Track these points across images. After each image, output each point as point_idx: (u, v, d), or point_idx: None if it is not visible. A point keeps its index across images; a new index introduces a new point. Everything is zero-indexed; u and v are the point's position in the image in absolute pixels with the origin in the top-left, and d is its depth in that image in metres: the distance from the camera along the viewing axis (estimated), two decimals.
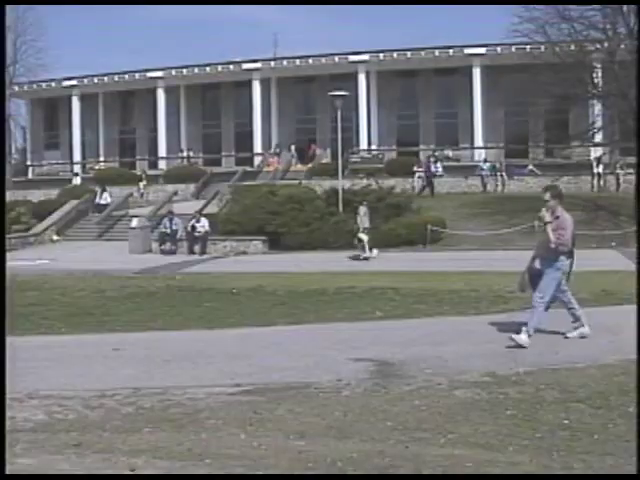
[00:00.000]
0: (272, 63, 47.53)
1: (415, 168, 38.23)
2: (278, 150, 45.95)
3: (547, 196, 9.49)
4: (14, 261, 21.38)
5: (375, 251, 23.95)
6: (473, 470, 4.91)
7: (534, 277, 9.56)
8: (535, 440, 5.56)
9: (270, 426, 6.07)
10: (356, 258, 23.51)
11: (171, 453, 5.32)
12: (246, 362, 8.70)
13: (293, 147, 46.93)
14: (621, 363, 7.96)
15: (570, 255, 9.52)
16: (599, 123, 33.07)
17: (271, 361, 8.76)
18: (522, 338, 9.06)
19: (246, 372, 8.13)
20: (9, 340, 8.52)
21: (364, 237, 23.91)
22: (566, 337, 9.51)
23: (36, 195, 41.79)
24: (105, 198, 36.80)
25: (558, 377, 7.50)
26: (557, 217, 9.36)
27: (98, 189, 37.61)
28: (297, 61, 46.50)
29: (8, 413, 6.20)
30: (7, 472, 4.76)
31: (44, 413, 6.61)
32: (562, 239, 9.24)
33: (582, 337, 9.54)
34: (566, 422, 5.98)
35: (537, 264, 9.61)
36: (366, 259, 23.34)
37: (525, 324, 9.26)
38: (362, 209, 24.76)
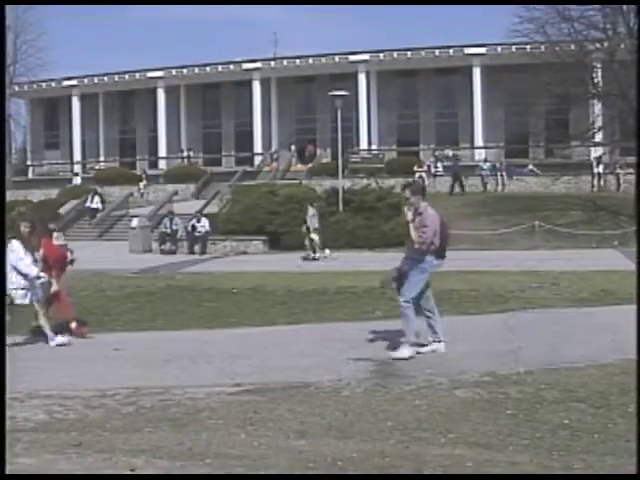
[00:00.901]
0: (272, 63, 47.54)
1: (415, 168, 38.23)
2: (276, 156, 45.84)
3: (407, 193, 9.02)
4: None
5: (327, 251, 24.16)
6: (473, 470, 4.91)
7: (402, 278, 8.97)
8: (535, 440, 5.56)
9: (270, 426, 6.07)
10: (307, 258, 23.74)
11: (171, 453, 5.32)
12: (246, 362, 8.70)
13: (293, 147, 46.94)
14: (621, 363, 7.96)
15: (440, 255, 9.01)
16: (599, 123, 33.06)
17: (271, 361, 8.76)
18: (402, 352, 8.51)
19: (246, 372, 8.13)
20: (9, 340, 8.52)
21: (315, 237, 24.24)
22: (418, 353, 8.70)
23: (36, 195, 41.83)
24: (96, 202, 36.51)
25: (558, 377, 7.50)
26: (419, 214, 8.82)
27: (90, 194, 37.28)
28: (297, 61, 46.51)
29: (8, 413, 6.21)
30: (7, 472, 4.76)
31: (44, 413, 6.61)
32: (424, 237, 8.66)
33: (433, 352, 8.80)
34: (566, 422, 5.98)
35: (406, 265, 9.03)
36: (316, 259, 23.57)
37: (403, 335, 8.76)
38: (310, 210, 24.96)
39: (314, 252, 23.96)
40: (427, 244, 8.73)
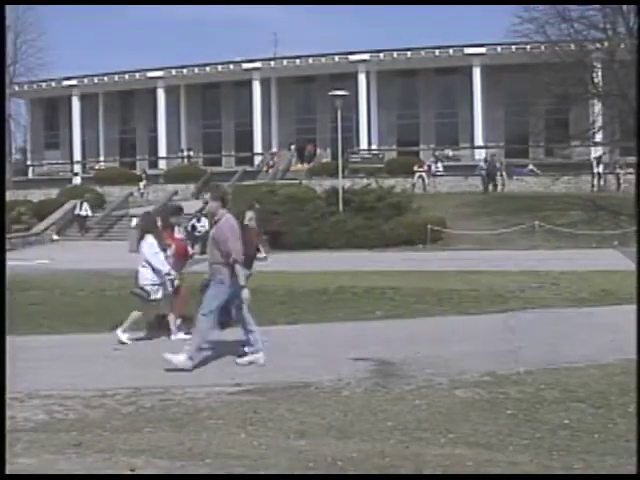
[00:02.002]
0: (272, 63, 47.53)
1: (416, 168, 38.24)
2: (272, 163, 45.66)
3: (207, 197, 8.51)
4: (14, 261, 21.38)
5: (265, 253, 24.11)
6: (473, 470, 4.91)
7: (204, 289, 8.72)
8: (535, 440, 5.56)
9: (270, 426, 6.07)
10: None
11: (171, 453, 5.32)
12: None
13: (293, 147, 46.92)
14: (621, 363, 7.96)
15: (245, 266, 8.66)
16: (599, 123, 33.05)
17: (271, 361, 8.76)
18: (179, 359, 8.19)
19: (246, 372, 8.13)
20: (9, 340, 8.52)
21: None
22: (236, 363, 8.47)
23: (36, 195, 41.81)
24: (85, 209, 36.17)
25: (558, 377, 7.50)
26: (216, 222, 8.46)
27: (78, 200, 36.82)
28: (297, 61, 46.49)
29: (8, 413, 6.20)
30: (7, 472, 4.76)
31: (44, 413, 6.61)
32: (232, 247, 8.27)
33: (251, 363, 8.45)
34: (566, 422, 5.98)
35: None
36: (263, 259, 23.48)
37: (245, 343, 8.63)
38: (248, 214, 24.92)
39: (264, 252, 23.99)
40: (240, 255, 8.33)
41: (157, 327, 10.37)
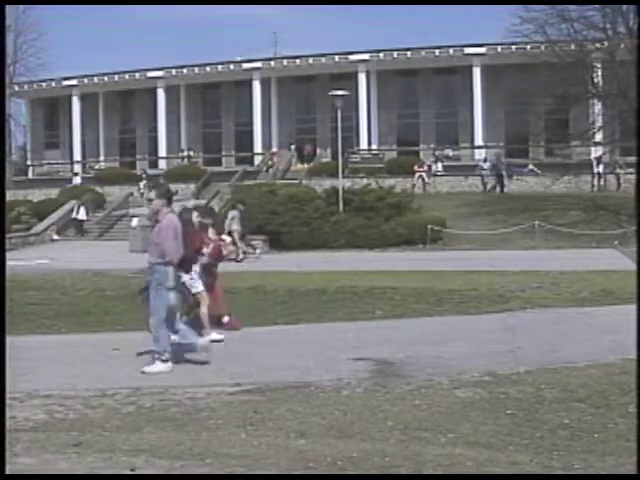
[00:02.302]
0: (272, 63, 47.51)
1: (416, 168, 38.24)
2: (270, 163, 45.60)
3: (152, 195, 8.49)
4: (14, 261, 21.39)
5: (242, 255, 24.29)
6: (473, 470, 4.91)
7: (143, 292, 8.63)
8: (535, 439, 5.56)
9: (270, 425, 6.07)
10: (236, 260, 23.82)
11: (171, 452, 5.32)
12: (246, 361, 8.71)
13: (293, 147, 46.92)
14: (621, 363, 7.96)
15: (185, 269, 8.64)
16: (599, 122, 33.07)
17: (271, 360, 8.76)
18: (157, 367, 8.16)
19: (246, 371, 8.13)
20: (9, 340, 8.52)
21: (227, 238, 24.41)
22: (143, 372, 8.14)
23: (36, 195, 41.83)
24: (82, 214, 36.05)
25: (558, 376, 7.50)
26: (158, 221, 8.28)
27: (75, 204, 36.72)
28: (297, 61, 46.48)
29: (8, 413, 6.20)
30: (7, 472, 4.76)
31: (44, 412, 6.61)
32: (168, 248, 8.17)
33: (160, 372, 8.13)
34: (566, 422, 5.98)
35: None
36: (238, 261, 23.72)
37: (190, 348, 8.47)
38: (230, 214, 25.33)
39: (241, 253, 24.22)
40: (176, 255, 8.23)
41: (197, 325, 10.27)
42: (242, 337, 10.51)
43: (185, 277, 9.80)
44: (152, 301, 8.35)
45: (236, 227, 24.44)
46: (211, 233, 10.90)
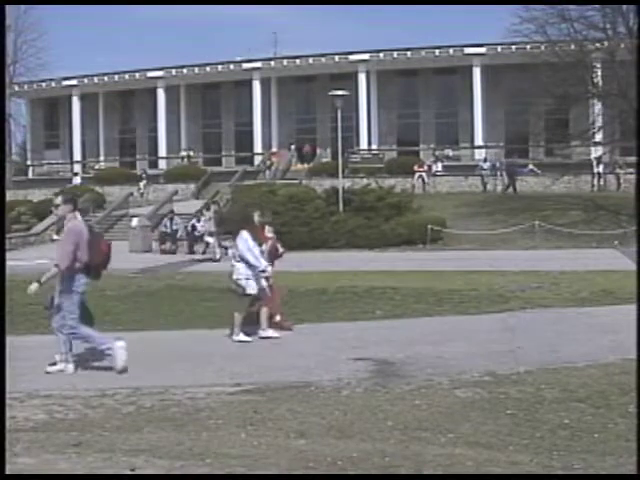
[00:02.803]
0: (272, 63, 47.51)
1: (416, 168, 38.23)
2: (268, 163, 45.56)
3: (58, 200, 8.53)
4: (14, 261, 21.37)
5: (219, 254, 24.40)
6: (473, 469, 4.91)
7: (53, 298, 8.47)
8: (535, 439, 5.56)
9: (270, 425, 6.07)
10: (205, 260, 24.24)
11: (171, 452, 5.32)
12: (246, 361, 8.71)
13: (293, 147, 46.91)
14: (621, 363, 7.96)
15: (93, 275, 8.60)
16: (599, 122, 33.05)
17: (271, 360, 8.77)
18: (58, 367, 8.16)
19: (246, 371, 8.14)
20: (9, 340, 8.52)
21: (210, 240, 25.25)
22: (46, 372, 8.11)
23: (36, 195, 41.81)
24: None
25: (558, 376, 7.50)
26: (63, 227, 8.25)
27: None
28: (297, 61, 46.48)
29: (8, 413, 6.20)
30: (7, 472, 4.76)
31: (44, 412, 6.61)
32: (61, 253, 8.24)
33: (61, 371, 8.11)
34: (566, 422, 5.98)
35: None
36: (216, 260, 23.97)
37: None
38: (207, 214, 26.09)
39: (218, 253, 24.48)
40: (65, 262, 8.21)
41: (248, 323, 10.30)
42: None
43: (242, 277, 9.93)
44: (63, 311, 8.36)
45: (212, 228, 25.09)
46: (267, 231, 11.01)
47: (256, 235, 10.27)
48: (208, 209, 26.58)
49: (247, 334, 9.98)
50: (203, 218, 26.36)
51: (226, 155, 49.98)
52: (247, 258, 10.03)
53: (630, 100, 27.78)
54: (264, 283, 10.24)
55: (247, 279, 10.05)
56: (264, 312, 10.24)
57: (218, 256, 24.12)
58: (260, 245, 10.28)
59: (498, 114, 44.06)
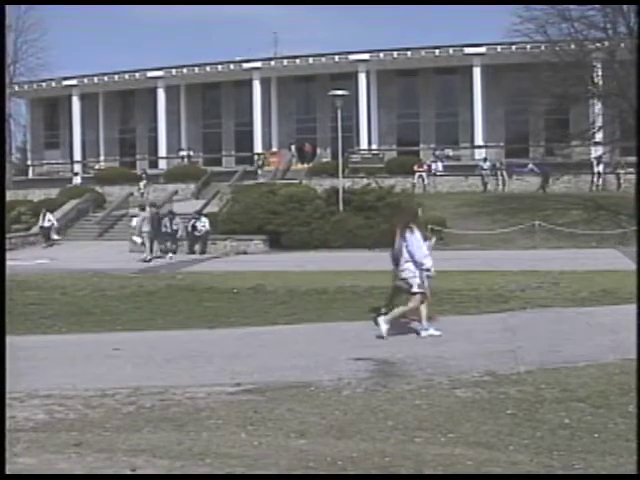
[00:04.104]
0: (272, 62, 47.49)
1: (416, 168, 38.23)
2: (262, 162, 45.56)
3: None
4: (14, 261, 21.39)
5: (150, 255, 25.09)
6: (474, 469, 4.91)
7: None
8: (535, 439, 5.56)
9: (270, 425, 6.07)
10: (144, 260, 24.60)
11: (171, 452, 5.32)
12: (247, 361, 8.70)
13: (293, 147, 46.91)
14: (621, 362, 7.96)
15: None
16: (599, 122, 33.05)
17: (271, 360, 8.76)
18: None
19: (246, 371, 8.13)
20: (9, 340, 8.52)
21: (138, 240, 26.16)
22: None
23: (36, 195, 41.81)
24: (49, 220, 35.50)
25: (558, 376, 7.50)
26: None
27: (42, 212, 35.99)
28: (297, 60, 46.47)
29: (8, 412, 6.20)
30: (7, 472, 4.76)
31: (45, 412, 6.61)
32: None
33: None
34: (566, 421, 5.98)
35: None
36: (148, 260, 24.55)
37: None
38: (141, 215, 27.09)
39: (150, 252, 25.23)
40: None
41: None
42: (242, 337, 10.52)
43: (410, 275, 9.97)
44: None
45: (146, 229, 25.70)
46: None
47: (422, 231, 10.40)
48: (143, 210, 27.47)
49: (388, 329, 9.98)
50: (135, 218, 27.57)
51: (226, 155, 49.98)
52: (416, 255, 10.03)
53: (630, 100, 27.77)
54: (426, 281, 10.28)
55: (414, 277, 10.07)
56: (423, 313, 10.20)
57: (149, 257, 24.99)
58: (425, 240, 10.39)
59: (498, 114, 44.06)
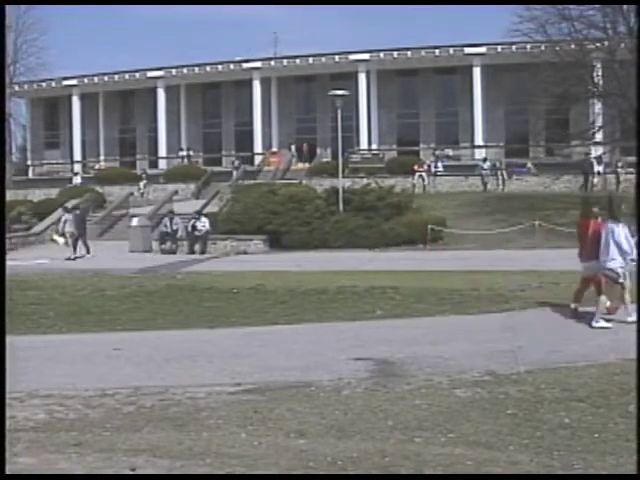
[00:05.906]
0: (272, 62, 47.50)
1: (416, 167, 38.22)
2: (261, 163, 45.56)
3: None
4: (14, 261, 21.38)
5: (74, 254, 25.42)
6: (474, 469, 4.91)
7: None
8: (535, 439, 5.56)
9: (270, 425, 6.07)
10: (68, 259, 24.85)
11: (171, 452, 5.32)
12: (247, 361, 8.70)
13: (293, 147, 46.91)
14: (621, 362, 7.96)
15: None
16: (599, 122, 33.02)
17: (272, 360, 8.76)
18: None
19: (247, 371, 8.13)
20: (9, 339, 8.52)
21: (60, 240, 27.01)
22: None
23: (36, 194, 41.81)
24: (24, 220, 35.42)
25: (558, 376, 7.50)
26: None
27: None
28: (297, 60, 46.47)
29: (9, 412, 6.20)
30: (7, 472, 4.75)
31: (45, 412, 6.61)
32: None
33: None
34: (566, 421, 5.98)
35: None
36: (72, 259, 24.82)
37: None
38: (64, 217, 27.77)
39: (73, 253, 25.56)
40: None
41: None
42: (242, 337, 10.52)
43: (618, 265, 10.31)
44: None
45: (69, 229, 26.39)
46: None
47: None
48: (67, 211, 28.32)
49: (607, 321, 10.32)
50: (61, 220, 28.05)
51: (226, 155, 49.97)
52: (623, 245, 10.34)
53: (630, 100, 27.74)
54: (627, 272, 10.56)
55: (621, 266, 10.40)
56: (627, 298, 10.51)
57: (73, 256, 25.25)
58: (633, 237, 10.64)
59: (498, 114, 44.07)
